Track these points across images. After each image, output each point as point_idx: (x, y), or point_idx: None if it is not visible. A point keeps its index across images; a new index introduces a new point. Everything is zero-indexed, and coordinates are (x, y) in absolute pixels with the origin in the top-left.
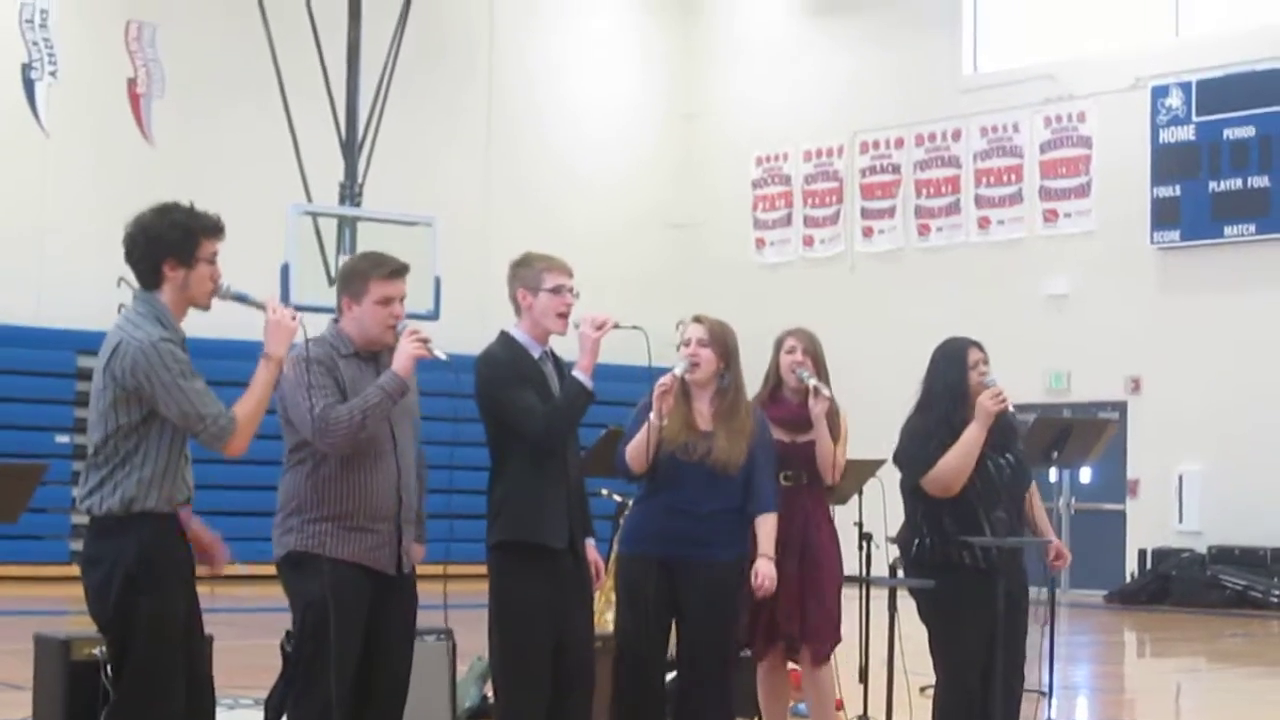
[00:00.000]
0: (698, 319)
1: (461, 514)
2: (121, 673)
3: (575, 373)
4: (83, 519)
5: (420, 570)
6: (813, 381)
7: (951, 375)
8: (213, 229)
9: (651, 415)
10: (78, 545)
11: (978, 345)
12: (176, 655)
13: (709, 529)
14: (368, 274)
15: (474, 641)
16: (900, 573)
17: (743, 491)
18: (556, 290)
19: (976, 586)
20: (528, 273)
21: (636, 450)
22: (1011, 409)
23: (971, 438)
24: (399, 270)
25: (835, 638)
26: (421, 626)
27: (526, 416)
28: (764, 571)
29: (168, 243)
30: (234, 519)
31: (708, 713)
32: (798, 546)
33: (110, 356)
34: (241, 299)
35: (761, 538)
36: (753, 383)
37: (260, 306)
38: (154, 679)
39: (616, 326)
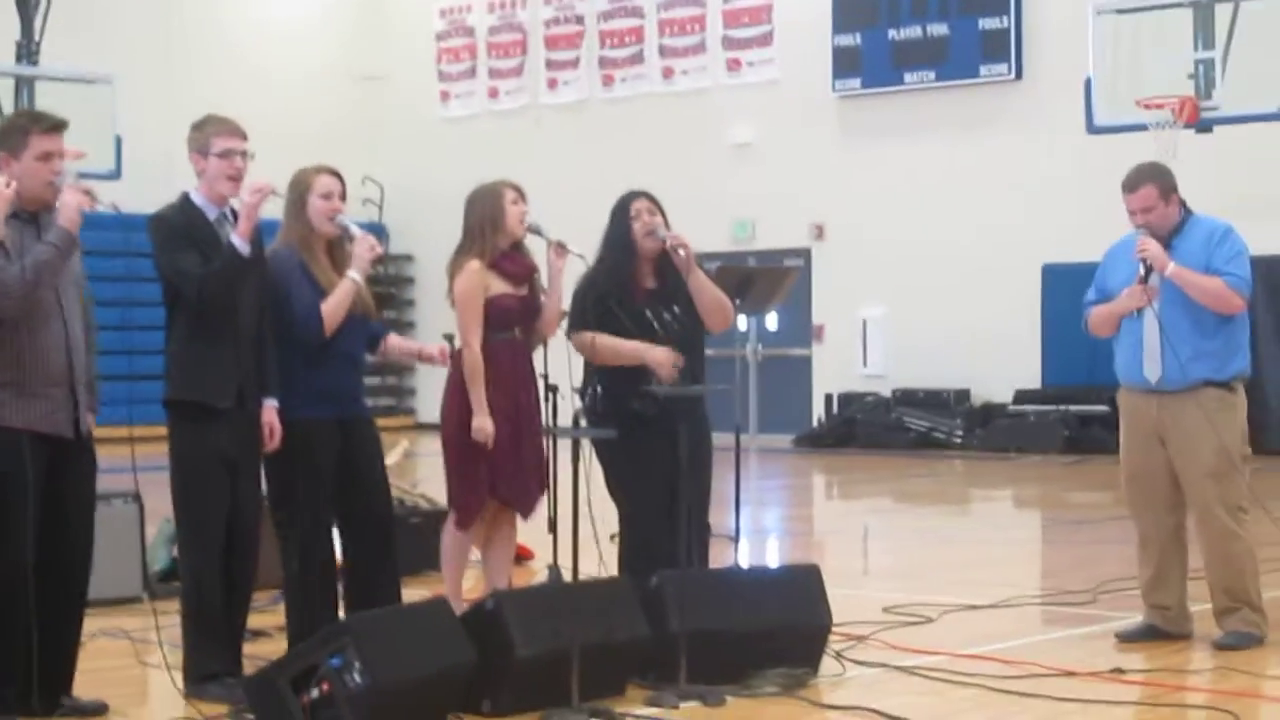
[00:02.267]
0: (329, 170)
1: (143, 375)
2: None
3: (232, 237)
4: None
5: (106, 433)
6: (555, 237)
7: (617, 229)
8: None
9: (355, 273)
10: None
11: (645, 195)
12: None
13: (362, 381)
14: (28, 129)
15: (163, 503)
16: (583, 423)
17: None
18: (225, 154)
19: (647, 434)
20: (200, 136)
21: (340, 312)
22: (682, 252)
23: (628, 350)
24: (59, 125)
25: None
26: (109, 490)
27: (184, 279)
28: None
29: None
30: None
31: (390, 570)
32: (525, 403)
33: None
34: None
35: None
36: (443, 234)
37: None
38: None
39: (274, 194)
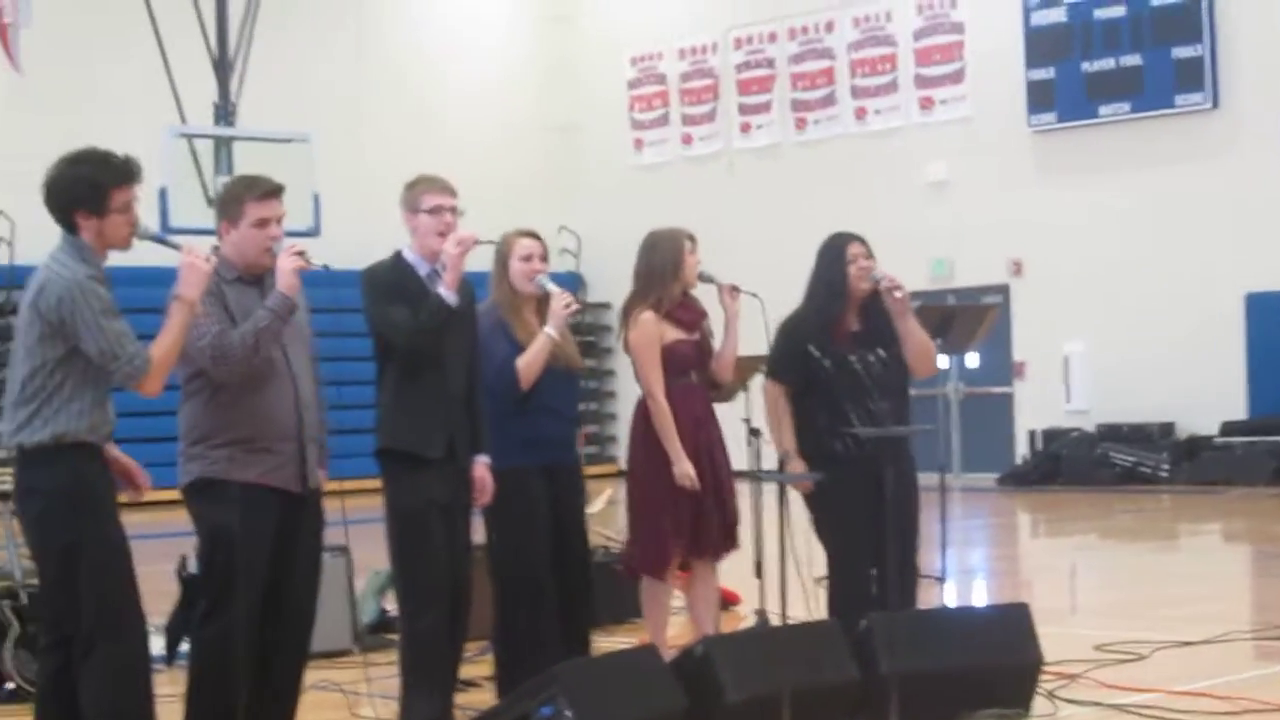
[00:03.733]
0: (529, 234)
1: (351, 429)
2: (79, 608)
3: (440, 289)
4: None
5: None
6: (727, 281)
7: (831, 271)
8: (123, 177)
9: (551, 330)
10: None
11: (859, 240)
12: (132, 579)
13: (572, 431)
14: (243, 196)
15: (371, 555)
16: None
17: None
18: (434, 211)
19: (850, 476)
20: (410, 195)
21: (535, 366)
22: (899, 295)
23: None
24: (274, 190)
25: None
26: None
27: (394, 331)
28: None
29: (75, 196)
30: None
31: (591, 611)
32: (705, 445)
33: (37, 294)
34: (159, 240)
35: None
36: (626, 285)
37: (176, 247)
38: (116, 603)
39: (478, 242)
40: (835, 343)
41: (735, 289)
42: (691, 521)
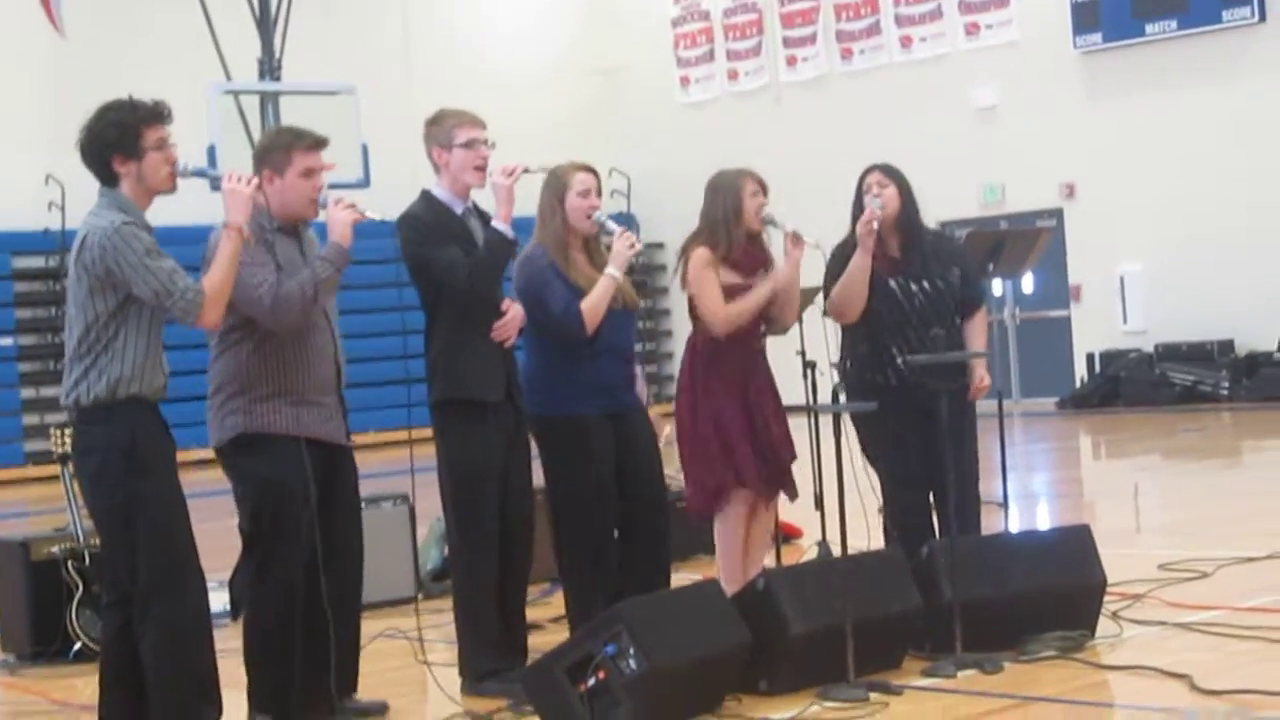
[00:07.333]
0: (585, 168)
1: (420, 379)
2: (138, 565)
3: (495, 223)
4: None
5: (377, 438)
6: (791, 226)
7: (856, 198)
8: (152, 116)
9: (614, 270)
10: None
11: (878, 168)
12: (188, 536)
13: (631, 371)
14: (290, 146)
15: (432, 504)
16: (841, 397)
17: None
18: (469, 144)
19: (898, 405)
20: (439, 130)
21: (600, 309)
22: (875, 226)
23: (855, 265)
24: (320, 142)
25: None
26: (379, 493)
27: (450, 270)
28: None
29: (109, 141)
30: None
31: (668, 552)
32: (757, 389)
33: (80, 249)
34: (201, 174)
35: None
36: (693, 220)
37: (218, 177)
38: (173, 560)
39: (528, 171)
40: (873, 267)
41: (798, 236)
42: (750, 456)
